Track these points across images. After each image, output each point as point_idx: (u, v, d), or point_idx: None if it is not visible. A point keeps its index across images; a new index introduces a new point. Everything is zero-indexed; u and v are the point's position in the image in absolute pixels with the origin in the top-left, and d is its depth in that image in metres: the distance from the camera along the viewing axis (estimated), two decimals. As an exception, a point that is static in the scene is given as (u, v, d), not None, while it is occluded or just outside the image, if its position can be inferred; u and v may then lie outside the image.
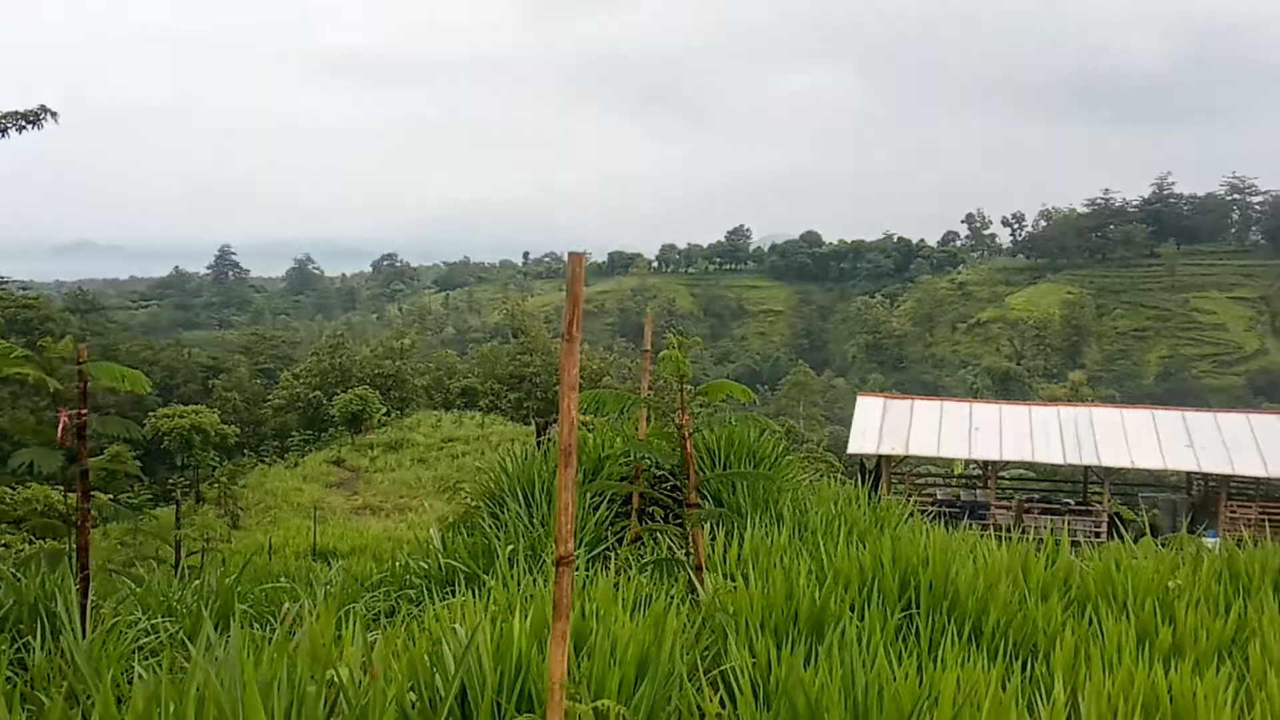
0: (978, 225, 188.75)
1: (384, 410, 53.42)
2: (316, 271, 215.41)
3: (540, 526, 8.03)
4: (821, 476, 12.27)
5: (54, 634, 5.56)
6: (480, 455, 42.21)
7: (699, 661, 4.22)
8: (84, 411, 6.37)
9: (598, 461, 9.47)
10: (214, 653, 3.81)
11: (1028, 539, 7.28)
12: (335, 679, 3.39)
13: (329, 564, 19.37)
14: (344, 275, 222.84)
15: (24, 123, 17.36)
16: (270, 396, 59.90)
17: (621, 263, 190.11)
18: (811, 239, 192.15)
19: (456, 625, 3.91)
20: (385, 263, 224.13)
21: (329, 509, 34.62)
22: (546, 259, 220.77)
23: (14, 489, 20.31)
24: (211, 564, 9.59)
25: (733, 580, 5.72)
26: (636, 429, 9.36)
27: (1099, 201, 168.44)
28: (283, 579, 8.19)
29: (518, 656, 3.55)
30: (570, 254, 3.47)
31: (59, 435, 6.41)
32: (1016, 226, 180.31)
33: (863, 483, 11.61)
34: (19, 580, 6.60)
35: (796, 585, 5.20)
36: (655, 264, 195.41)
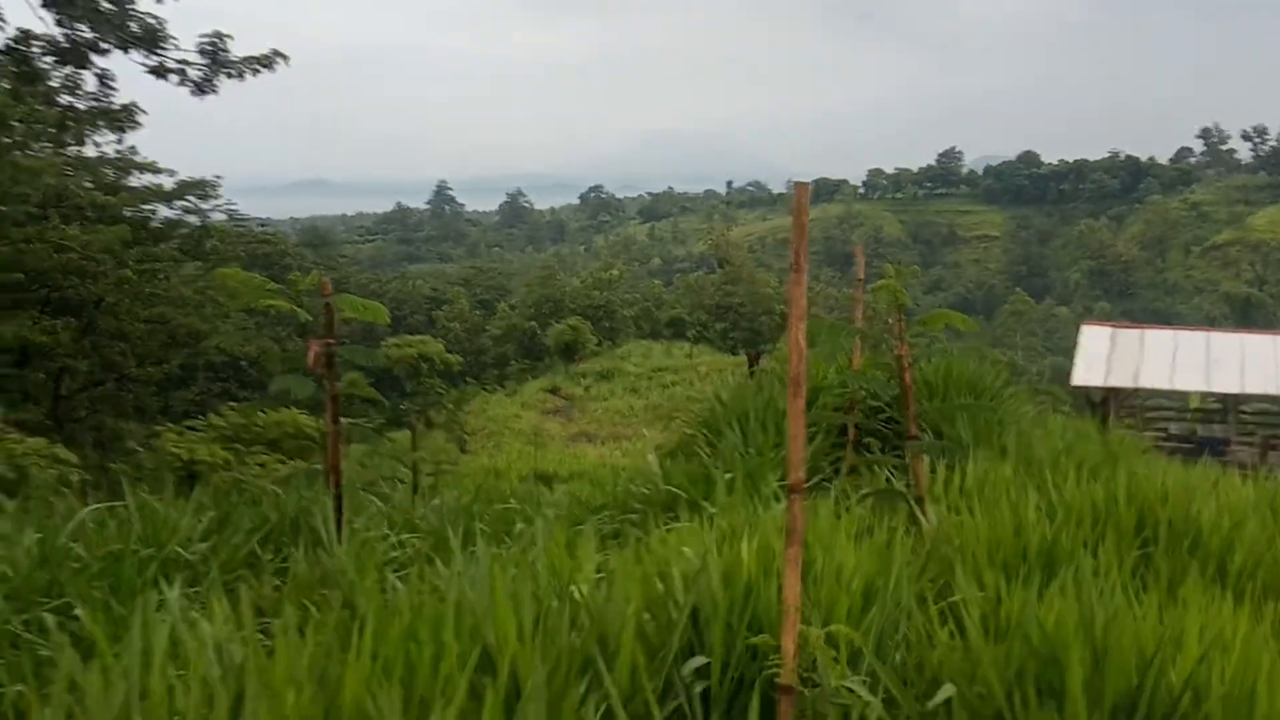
0: (1214, 140, 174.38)
1: (595, 340, 54.76)
2: (527, 205, 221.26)
3: (757, 456, 8.11)
4: (1047, 409, 11.83)
5: (313, 546, 6.05)
6: (690, 384, 42.79)
7: (926, 592, 4.21)
8: (332, 341, 6.80)
9: (812, 393, 9.44)
10: (458, 567, 4.07)
11: (1276, 476, 6.84)
12: (576, 594, 3.59)
13: (550, 488, 20.20)
14: (553, 208, 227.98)
15: (258, 66, 18.42)
16: (489, 327, 62.38)
17: (827, 189, 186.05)
18: (1029, 159, 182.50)
19: (685, 549, 4.05)
20: (592, 195, 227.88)
21: (547, 435, 35.96)
22: (750, 188, 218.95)
23: (264, 413, 22.05)
24: (445, 485, 10.16)
25: (957, 514, 5.65)
26: (850, 360, 9.28)
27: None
28: (512, 501, 8.61)
29: (747, 581, 3.65)
30: (796, 183, 3.47)
31: (310, 363, 6.85)
32: (1259, 141, 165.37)
33: (1090, 416, 11.13)
34: (280, 497, 7.21)
35: (1025, 520, 5.09)
36: (862, 190, 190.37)
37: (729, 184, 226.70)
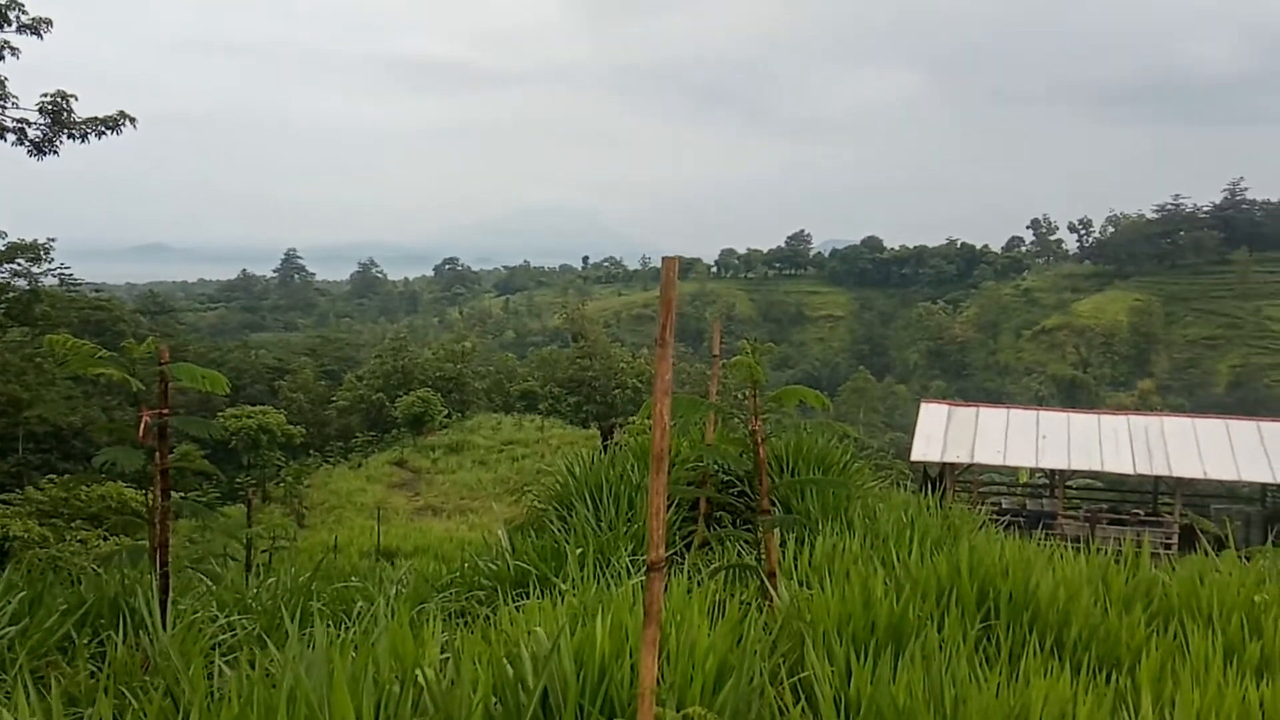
0: (1044, 231, 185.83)
1: (445, 412, 53.93)
2: (380, 275, 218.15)
3: (608, 530, 8.02)
4: (890, 483, 12.15)
5: (135, 629, 5.66)
6: (540, 458, 42.41)
7: (778, 668, 4.18)
8: (165, 411, 6.46)
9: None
10: (293, 650, 3.84)
11: (1104, 550, 7.12)
12: (419, 679, 3.41)
13: (393, 564, 19.60)
14: (406, 279, 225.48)
15: (104, 128, 17.74)
16: (334, 398, 60.76)
17: (682, 267, 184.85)
18: (873, 244, 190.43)
19: (536, 628, 3.91)
20: (447, 267, 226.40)
21: (392, 509, 35.00)
22: (606, 263, 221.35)
23: (87, 486, 20.81)
24: (281, 562, 9.70)
25: (806, 587, 5.67)
26: (703, 434, 9.33)
27: (1169, 207, 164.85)
28: (353, 578, 8.26)
29: (600, 661, 3.54)
30: (665, 259, 3.47)
31: (140, 434, 6.50)
32: (1084, 233, 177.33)
33: (928, 490, 11.45)
34: (100, 576, 6.74)
35: (873, 594, 5.13)
36: (714, 269, 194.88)
37: (585, 259, 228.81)
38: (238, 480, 39.28)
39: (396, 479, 42.46)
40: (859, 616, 4.92)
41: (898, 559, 6.35)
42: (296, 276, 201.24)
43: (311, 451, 50.20)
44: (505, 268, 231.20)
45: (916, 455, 27.83)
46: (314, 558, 11.07)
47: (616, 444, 11.57)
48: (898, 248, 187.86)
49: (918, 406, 30.89)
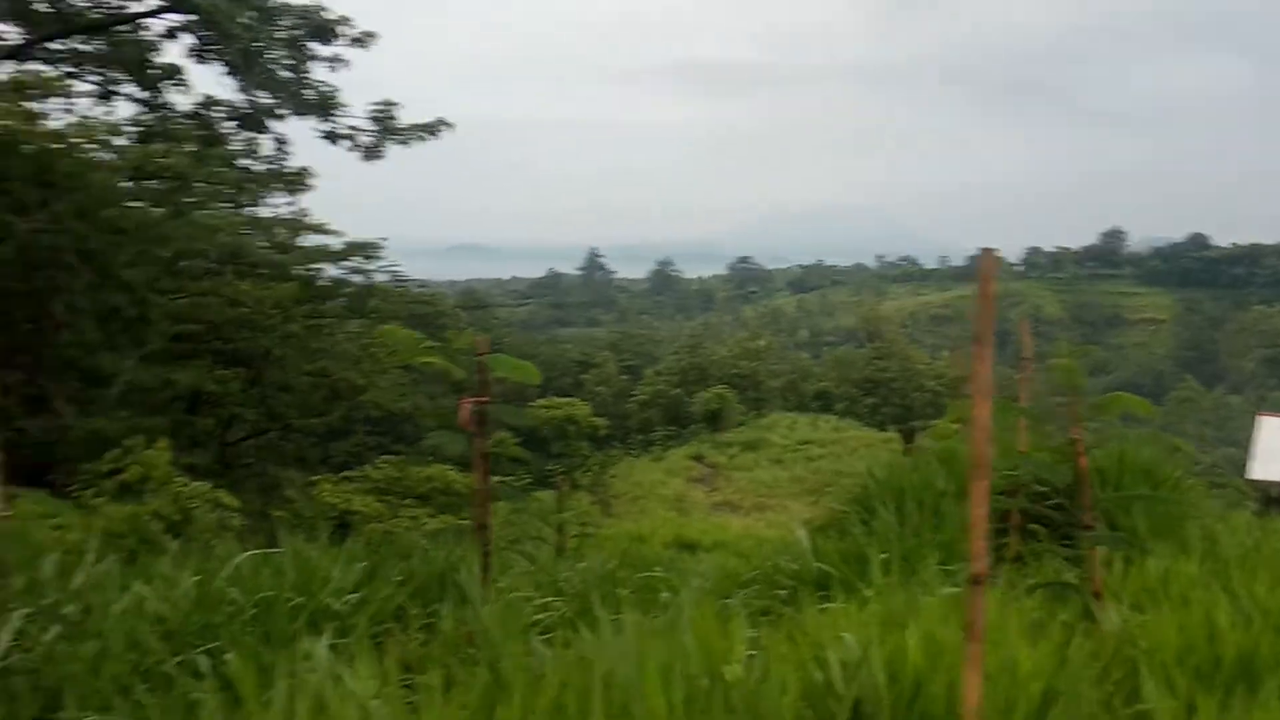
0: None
1: (741, 410, 54.46)
2: (676, 273, 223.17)
3: (913, 537, 7.75)
4: (1228, 503, 11.04)
5: (459, 603, 6.00)
6: (836, 458, 41.98)
7: (1111, 698, 3.85)
8: (485, 399, 6.81)
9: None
10: (606, 636, 3.92)
11: None
12: (728, 675, 3.40)
13: (694, 556, 19.95)
14: (701, 278, 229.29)
15: (424, 133, 19.17)
16: (635, 392, 62.75)
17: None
18: (1199, 241, 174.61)
19: (845, 634, 3.80)
20: (740, 265, 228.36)
21: (691, 503, 35.75)
22: (901, 262, 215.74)
23: (417, 467, 22.57)
24: (588, 548, 10.07)
25: (1140, 612, 5.21)
26: (1013, 441, 8.83)
27: None
28: (656, 569, 8.44)
29: (914, 675, 3.39)
30: (982, 251, 3.27)
31: (462, 420, 6.87)
32: None
33: (1269, 512, 10.31)
34: (428, 551, 7.22)
35: (1218, 625, 4.64)
36: (1020, 268, 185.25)
37: (879, 258, 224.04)
38: (546, 468, 41.38)
39: (695, 473, 43.32)
40: (1202, 648, 4.46)
41: (1244, 588, 5.71)
42: (599, 274, 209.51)
43: (614, 443, 52.09)
44: (799, 266, 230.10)
45: (1256, 473, 25.25)
46: (619, 546, 11.43)
47: (918, 447, 11.21)
48: (1228, 245, 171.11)
49: (1255, 420, 28.08)
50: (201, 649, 4.68)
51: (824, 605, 5.60)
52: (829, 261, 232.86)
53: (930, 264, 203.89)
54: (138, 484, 13.01)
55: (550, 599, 6.56)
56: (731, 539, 27.44)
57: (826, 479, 36.32)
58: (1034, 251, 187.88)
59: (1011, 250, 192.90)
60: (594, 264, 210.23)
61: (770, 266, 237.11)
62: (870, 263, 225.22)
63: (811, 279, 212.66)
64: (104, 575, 5.47)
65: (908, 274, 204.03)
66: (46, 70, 23.74)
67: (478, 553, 6.47)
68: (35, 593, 5.20)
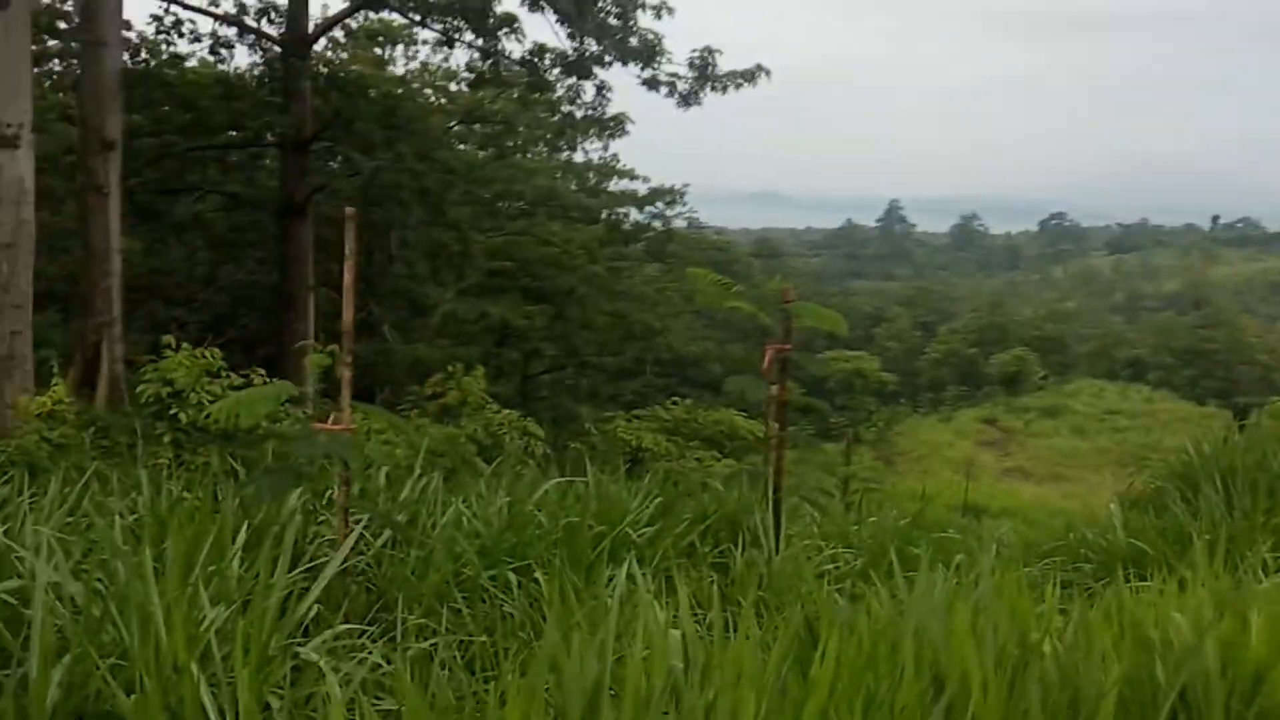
0: None
1: (1042, 374, 51.75)
2: (981, 228, 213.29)
3: (1243, 519, 7.10)
4: None
5: (750, 546, 6.07)
6: (1146, 431, 39.16)
7: None
8: (788, 347, 6.79)
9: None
10: (920, 592, 3.81)
11: None
12: (1046, 646, 3.23)
13: (979, 521, 19.25)
14: (1009, 233, 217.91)
15: (742, 80, 19.16)
16: (927, 349, 60.97)
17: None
18: None
19: (1175, 614, 3.52)
20: (1053, 222, 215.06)
21: (980, 466, 34.49)
22: (1239, 224, 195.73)
23: (705, 410, 23.03)
24: (872, 503, 9.92)
25: None
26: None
27: None
28: (951, 530, 8.20)
29: (1255, 666, 3.10)
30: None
31: (764, 367, 6.89)
32: None
33: None
34: (721, 492, 7.34)
35: None
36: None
37: (1215, 219, 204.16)
38: (831, 420, 41.07)
39: (986, 436, 41.73)
40: None
41: None
42: (898, 227, 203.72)
43: (902, 400, 50.96)
44: (1119, 225, 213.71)
45: None
46: (902, 504, 11.19)
47: (1254, 424, 10.20)
48: None
49: None
50: (512, 565, 4.98)
51: (1138, 585, 5.24)
52: (1155, 221, 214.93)
53: (1275, 227, 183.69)
54: (456, 408, 14.03)
55: (839, 550, 6.52)
56: (1022, 507, 26.29)
57: (1133, 452, 33.93)
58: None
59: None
60: (893, 216, 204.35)
61: (1086, 224, 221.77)
62: (1203, 224, 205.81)
63: (1133, 239, 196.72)
64: (427, 490, 5.92)
65: (1246, 237, 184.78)
66: (396, 19, 25.73)
67: (769, 499, 6.51)
68: (369, 500, 5.72)
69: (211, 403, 8.70)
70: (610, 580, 4.66)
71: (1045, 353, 56.58)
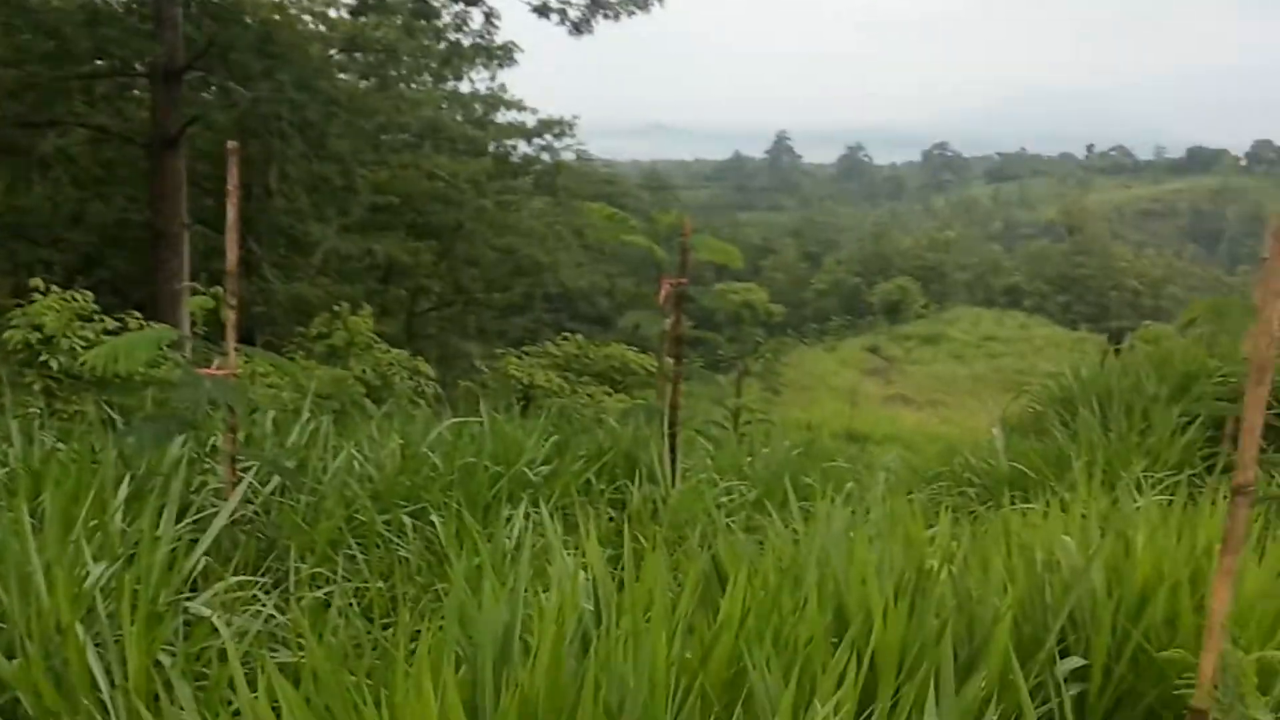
0: None
1: (923, 302, 53.11)
2: (865, 159, 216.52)
3: (1119, 441, 7.41)
4: None
5: (647, 481, 6.09)
6: (1021, 357, 40.58)
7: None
8: (684, 281, 6.79)
9: (1186, 379, 8.52)
10: (819, 524, 3.86)
11: None
12: (945, 572, 3.31)
13: (862, 449, 19.78)
14: (893, 164, 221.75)
15: (635, 7, 18.85)
16: (813, 280, 61.96)
17: (1202, 160, 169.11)
18: None
19: (1065, 537, 3.64)
20: (935, 152, 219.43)
21: (863, 395, 35.33)
22: (1112, 153, 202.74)
23: (595, 345, 22.99)
24: (760, 435, 10.07)
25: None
26: (1237, 345, 8.28)
27: None
28: (839, 459, 8.37)
29: (1141, 586, 3.23)
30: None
31: (661, 301, 6.87)
32: None
33: None
34: (615, 429, 7.34)
35: None
36: (1244, 163, 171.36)
37: (1089, 148, 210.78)
38: (719, 352, 41.48)
39: (869, 365, 42.72)
40: None
41: None
42: (785, 158, 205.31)
43: (789, 330, 51.76)
44: (999, 154, 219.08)
45: None
46: (790, 434, 11.38)
47: (1128, 348, 10.62)
48: None
49: None
50: (406, 509, 4.90)
51: (1023, 508, 5.42)
52: (1032, 150, 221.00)
53: (1146, 155, 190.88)
54: (343, 349, 13.70)
55: (734, 482, 6.60)
56: (904, 433, 27.10)
57: (1010, 378, 35.18)
58: (1263, 145, 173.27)
59: (1237, 143, 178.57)
60: (781, 147, 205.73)
61: (968, 155, 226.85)
62: (1078, 153, 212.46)
63: (1011, 168, 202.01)
64: (316, 434, 5.77)
65: (1119, 165, 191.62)
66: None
67: (665, 434, 6.53)
68: (255, 446, 5.54)
69: (85, 348, 8.33)
70: (509, 520, 4.63)
71: (926, 281, 58.08)
